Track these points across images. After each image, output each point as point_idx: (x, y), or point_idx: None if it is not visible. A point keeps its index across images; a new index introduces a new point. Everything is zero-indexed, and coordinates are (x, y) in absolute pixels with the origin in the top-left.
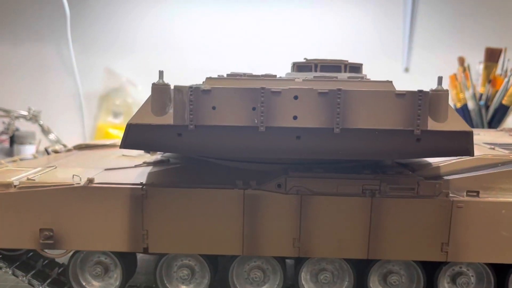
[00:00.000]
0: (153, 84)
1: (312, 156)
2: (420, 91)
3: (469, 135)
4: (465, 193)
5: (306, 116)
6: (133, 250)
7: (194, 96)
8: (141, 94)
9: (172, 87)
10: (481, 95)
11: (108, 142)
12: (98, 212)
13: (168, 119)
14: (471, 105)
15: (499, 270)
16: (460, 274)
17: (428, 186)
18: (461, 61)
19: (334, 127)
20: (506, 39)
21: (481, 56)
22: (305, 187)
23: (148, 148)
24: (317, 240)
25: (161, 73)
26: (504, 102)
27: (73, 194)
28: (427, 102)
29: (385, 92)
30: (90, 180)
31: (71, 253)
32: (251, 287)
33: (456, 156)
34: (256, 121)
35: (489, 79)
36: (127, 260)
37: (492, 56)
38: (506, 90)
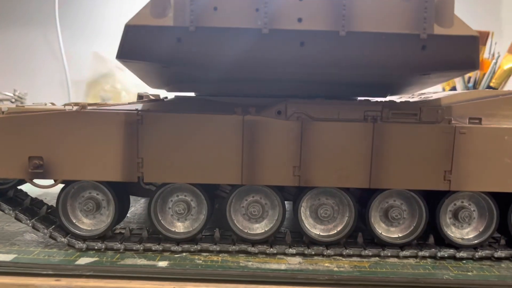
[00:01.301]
0: None
1: (316, 67)
2: None
3: (475, 40)
4: (467, 120)
5: (311, 18)
6: (128, 180)
7: None
8: (130, 79)
9: None
10: (469, 78)
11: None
12: (91, 139)
13: (168, 21)
14: (459, 88)
15: (502, 203)
16: (462, 208)
17: (430, 112)
18: None
19: (340, 30)
20: (493, 23)
21: None
22: (306, 113)
23: (146, 57)
24: (318, 169)
25: None
26: (492, 84)
27: (64, 119)
28: (433, 6)
29: None
30: (83, 106)
31: (61, 186)
32: (249, 223)
33: (461, 69)
34: (259, 23)
35: None
36: (120, 196)
37: (480, 39)
38: (494, 72)
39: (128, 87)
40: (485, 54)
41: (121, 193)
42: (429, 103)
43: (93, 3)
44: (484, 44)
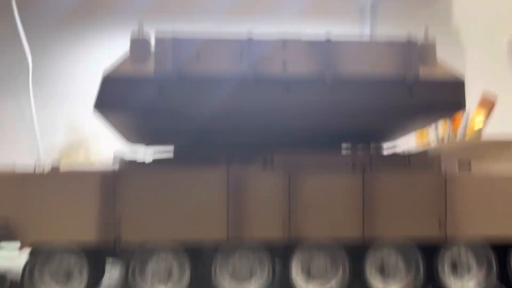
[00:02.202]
0: (131, 38)
1: (302, 115)
2: (409, 41)
3: (461, 84)
4: (457, 164)
5: (296, 65)
6: (104, 240)
7: (177, 44)
8: (106, 150)
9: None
10: (442, 137)
11: None
12: (62, 203)
13: (148, 69)
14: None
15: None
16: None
17: (419, 162)
18: None
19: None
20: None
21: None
22: (293, 164)
23: (125, 108)
24: (308, 220)
25: (140, 25)
26: (468, 139)
27: (35, 181)
28: (417, 50)
29: (375, 41)
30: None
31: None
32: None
33: (448, 111)
34: (243, 68)
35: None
36: (95, 261)
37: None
38: (466, 126)
39: (103, 159)
40: None
41: (96, 257)
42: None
43: (68, 71)
44: None
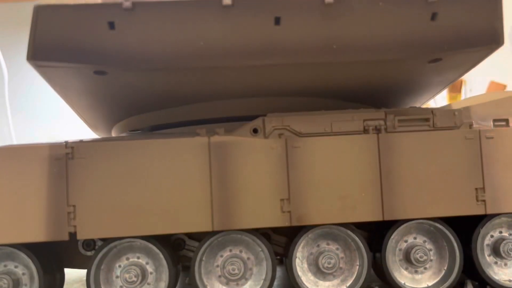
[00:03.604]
0: None
1: (295, 55)
2: None
3: (497, 3)
4: (491, 123)
5: None
6: (55, 238)
7: None
8: None
9: None
10: None
11: None
12: (2, 187)
13: None
14: None
15: None
16: (502, 240)
17: (446, 115)
18: None
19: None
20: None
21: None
22: (290, 128)
23: (67, 56)
24: (313, 200)
25: None
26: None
27: None
28: None
29: None
30: None
31: None
32: None
33: (481, 45)
34: None
35: None
36: (47, 267)
37: (454, 87)
38: None
39: None
40: None
41: (49, 263)
42: (441, 108)
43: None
44: (459, 92)
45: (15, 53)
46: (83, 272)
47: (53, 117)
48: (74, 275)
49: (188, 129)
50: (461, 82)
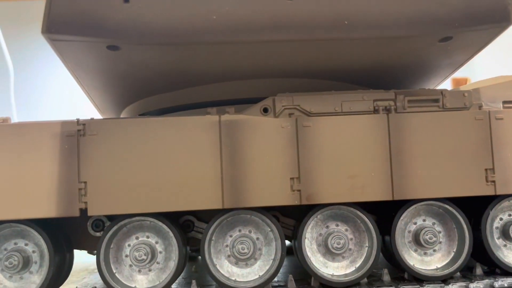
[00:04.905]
0: None
1: (307, 31)
2: None
3: None
4: (501, 104)
5: None
6: (66, 214)
7: None
8: None
9: None
10: None
11: None
12: (13, 163)
13: None
14: None
15: None
16: None
17: (456, 96)
18: None
19: None
20: (468, 70)
21: (448, 85)
22: (300, 108)
23: (81, 30)
24: (322, 179)
25: None
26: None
27: None
28: None
29: None
30: (5, 120)
31: None
32: (237, 268)
33: (491, 23)
34: None
35: None
36: (58, 246)
37: (459, 85)
38: None
39: None
40: None
41: (59, 242)
42: (451, 90)
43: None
44: None
45: (20, 50)
46: (89, 261)
47: (58, 114)
48: (80, 265)
49: (198, 111)
50: (466, 80)
